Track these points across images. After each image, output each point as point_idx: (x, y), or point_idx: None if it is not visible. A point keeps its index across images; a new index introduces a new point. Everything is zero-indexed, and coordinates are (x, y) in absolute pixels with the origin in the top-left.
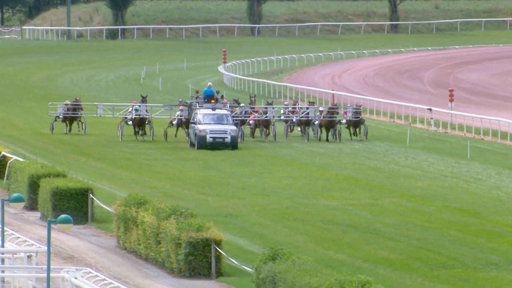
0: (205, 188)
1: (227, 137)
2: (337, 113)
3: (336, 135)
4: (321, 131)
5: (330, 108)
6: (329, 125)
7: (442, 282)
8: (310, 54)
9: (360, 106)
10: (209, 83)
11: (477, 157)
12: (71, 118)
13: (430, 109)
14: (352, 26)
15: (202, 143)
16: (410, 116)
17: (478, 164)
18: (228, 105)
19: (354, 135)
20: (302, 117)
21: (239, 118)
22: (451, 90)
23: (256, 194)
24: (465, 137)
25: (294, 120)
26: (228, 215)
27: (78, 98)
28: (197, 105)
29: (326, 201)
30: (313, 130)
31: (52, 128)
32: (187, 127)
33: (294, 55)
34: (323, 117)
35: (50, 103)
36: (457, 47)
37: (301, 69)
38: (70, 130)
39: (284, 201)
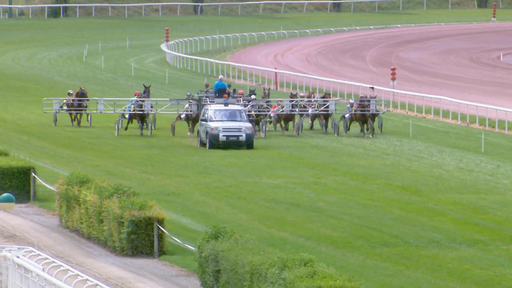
0: (148, 167)
1: (241, 135)
2: (368, 105)
3: (370, 129)
4: (349, 125)
5: (361, 101)
6: (363, 118)
7: (384, 260)
8: (253, 33)
9: (375, 97)
10: (220, 76)
11: (419, 136)
12: (77, 110)
13: (372, 88)
14: (294, 5)
15: (215, 142)
16: (353, 93)
17: (420, 142)
18: (242, 99)
19: (367, 130)
20: (321, 110)
21: (253, 112)
22: (393, 69)
23: (199, 173)
24: (407, 116)
25: (309, 113)
26: (171, 193)
27: (83, 88)
28: (207, 100)
29: (269, 179)
30: (333, 124)
31: (55, 120)
32: (194, 124)
33: (237, 34)
34: (355, 110)
35: (45, 98)
36: (399, 26)
37: (244, 48)
38: (79, 123)
39: (226, 179)
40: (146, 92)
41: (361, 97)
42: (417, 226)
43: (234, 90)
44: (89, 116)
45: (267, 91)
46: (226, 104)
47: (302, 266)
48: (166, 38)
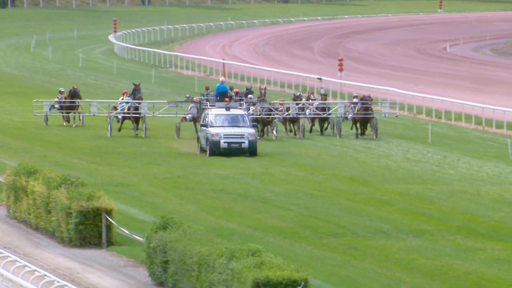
0: (96, 158)
1: (244, 142)
2: (371, 105)
3: (373, 130)
4: (357, 127)
5: (362, 100)
6: (365, 120)
7: (331, 250)
8: (201, 24)
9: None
10: (222, 78)
11: None
12: (69, 108)
13: (320, 79)
14: None
15: (215, 149)
16: (301, 85)
17: (367, 133)
18: (244, 103)
19: (361, 134)
20: (328, 114)
21: (258, 116)
22: (340, 60)
23: (147, 163)
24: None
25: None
26: (119, 184)
27: (76, 87)
28: (208, 104)
29: (217, 170)
30: (332, 126)
31: (47, 119)
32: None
33: (185, 25)
34: (358, 110)
35: (34, 100)
36: (346, 16)
37: (192, 38)
38: (68, 121)
39: (175, 170)
40: (138, 90)
41: (364, 97)
42: (364, 216)
43: (231, 88)
44: (81, 115)
45: (263, 91)
46: (227, 109)
47: (249, 257)
48: (114, 29)
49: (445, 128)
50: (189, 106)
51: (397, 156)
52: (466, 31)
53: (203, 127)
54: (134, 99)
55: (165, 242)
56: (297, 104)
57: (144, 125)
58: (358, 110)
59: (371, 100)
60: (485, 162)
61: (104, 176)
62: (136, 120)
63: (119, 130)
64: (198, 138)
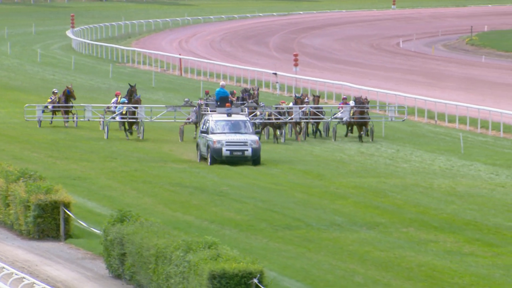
0: (54, 151)
1: (247, 150)
2: (367, 108)
3: (368, 134)
4: (350, 130)
5: (357, 102)
6: (361, 122)
7: (286, 242)
8: (158, 20)
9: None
10: (222, 83)
11: None
12: (64, 109)
13: (276, 74)
14: None
15: (217, 158)
16: (256, 80)
17: (322, 127)
18: (246, 109)
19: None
20: (333, 117)
21: (268, 121)
22: (295, 55)
23: (105, 157)
24: None
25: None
26: (77, 177)
27: (70, 86)
28: (208, 109)
29: (174, 164)
30: (325, 128)
31: (40, 121)
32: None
33: (142, 20)
34: (353, 114)
35: (26, 105)
36: (301, 12)
37: (149, 34)
38: (50, 121)
39: (132, 164)
40: (134, 92)
41: (361, 99)
42: (319, 209)
43: (232, 93)
44: (75, 116)
45: (256, 92)
46: (229, 114)
47: (206, 249)
48: (71, 25)
49: (398, 122)
50: (190, 111)
51: (351, 150)
52: (419, 27)
53: (203, 134)
54: (130, 101)
55: (123, 235)
56: (300, 108)
57: (142, 128)
58: (353, 113)
59: (368, 102)
60: (438, 155)
61: (62, 169)
62: (130, 124)
63: (125, 130)
64: (197, 145)
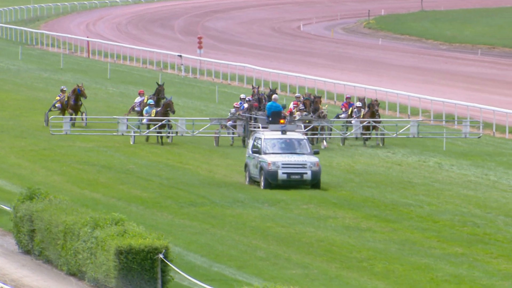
0: None
1: (306, 173)
2: (378, 110)
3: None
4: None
5: (371, 105)
6: (372, 124)
7: (191, 219)
8: (66, 3)
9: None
10: (274, 96)
11: (224, 101)
12: (74, 107)
13: (180, 56)
14: None
15: (272, 181)
16: (162, 62)
17: (225, 107)
18: (301, 125)
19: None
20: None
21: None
22: (199, 38)
23: (14, 137)
24: (214, 82)
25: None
26: None
27: (80, 85)
28: (259, 126)
29: (82, 143)
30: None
31: (47, 120)
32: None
33: (50, 4)
34: (364, 115)
35: (52, 116)
36: None
37: (57, 17)
38: (74, 121)
39: (41, 143)
40: (161, 92)
41: (373, 101)
42: (222, 187)
43: (285, 106)
44: (84, 114)
45: (255, 90)
46: (283, 132)
47: (113, 225)
48: None
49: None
50: (229, 115)
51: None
52: (319, 10)
53: (255, 154)
54: (158, 102)
55: (32, 212)
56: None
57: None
58: (364, 115)
59: (378, 104)
60: None
61: None
62: (162, 127)
63: (147, 140)
64: (246, 166)
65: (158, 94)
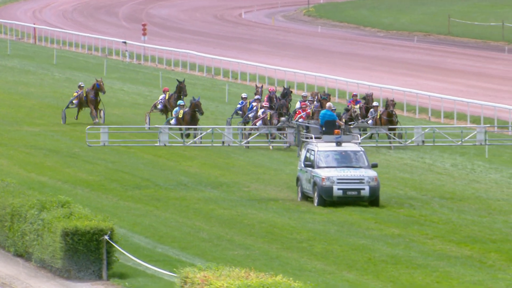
0: None
1: (364, 189)
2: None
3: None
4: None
5: (387, 105)
6: (389, 125)
7: (136, 201)
8: None
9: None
10: (329, 104)
11: (170, 87)
12: (94, 103)
13: (125, 42)
14: None
15: (327, 198)
16: (107, 48)
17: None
18: (358, 136)
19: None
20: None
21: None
22: (144, 25)
23: None
24: (157, 68)
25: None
26: None
27: (100, 79)
28: (312, 136)
29: (29, 127)
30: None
31: (64, 117)
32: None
33: None
34: (381, 115)
35: (88, 127)
36: None
37: (5, 4)
38: (96, 116)
39: None
40: (183, 89)
41: (389, 101)
42: (166, 170)
43: (339, 115)
44: (101, 111)
45: (259, 89)
46: (338, 143)
47: (59, 208)
48: None
49: (241, 88)
50: (259, 112)
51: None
52: None
53: (307, 167)
54: (177, 100)
55: None
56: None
57: (199, 132)
58: (380, 116)
59: (394, 104)
60: None
61: None
62: (191, 123)
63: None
64: (298, 180)
65: (180, 91)
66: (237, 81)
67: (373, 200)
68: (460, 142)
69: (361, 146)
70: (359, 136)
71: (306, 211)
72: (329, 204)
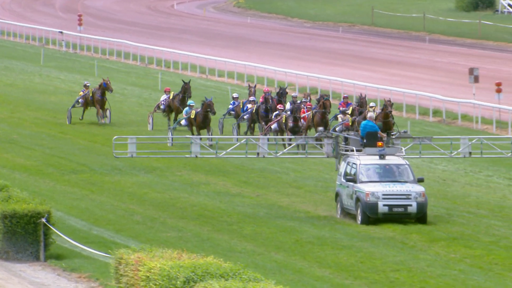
0: None
1: (410, 205)
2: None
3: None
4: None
5: (384, 106)
6: (386, 127)
7: (72, 185)
8: None
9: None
10: (370, 114)
11: (103, 75)
12: (100, 102)
13: (62, 32)
14: None
15: (371, 215)
16: (44, 38)
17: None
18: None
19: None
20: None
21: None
22: (80, 15)
23: None
24: (93, 57)
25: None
26: None
27: (106, 79)
28: (354, 148)
29: None
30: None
31: (70, 117)
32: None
33: None
34: (376, 117)
35: (115, 137)
36: None
37: None
38: (103, 117)
39: None
40: (188, 90)
41: (386, 102)
42: (101, 155)
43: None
44: (107, 111)
45: (253, 89)
46: (382, 156)
47: None
48: None
49: (173, 76)
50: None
51: (131, 99)
52: None
53: (349, 182)
54: (182, 100)
55: None
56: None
57: (211, 132)
58: (376, 117)
59: (392, 105)
60: None
61: None
62: (203, 125)
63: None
64: (337, 195)
65: (184, 92)
66: (169, 70)
67: (420, 217)
68: (510, 154)
69: (405, 159)
70: (403, 148)
71: (235, 195)
72: (373, 222)
